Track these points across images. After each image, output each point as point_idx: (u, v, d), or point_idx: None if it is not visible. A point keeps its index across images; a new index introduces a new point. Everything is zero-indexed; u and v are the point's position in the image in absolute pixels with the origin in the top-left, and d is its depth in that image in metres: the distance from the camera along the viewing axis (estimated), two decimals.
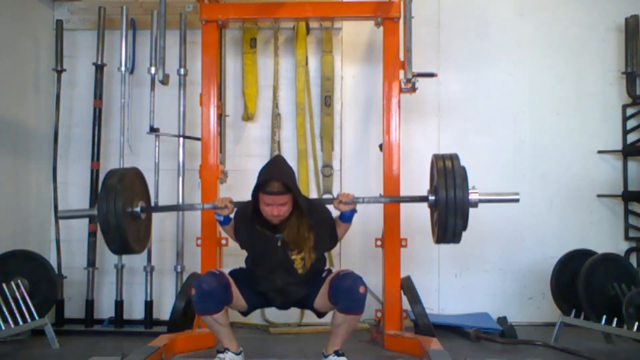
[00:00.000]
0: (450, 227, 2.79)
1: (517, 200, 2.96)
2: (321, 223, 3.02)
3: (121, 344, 3.72)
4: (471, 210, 4.35)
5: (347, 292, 2.83)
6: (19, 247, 3.84)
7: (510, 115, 4.52)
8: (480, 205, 2.81)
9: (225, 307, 2.94)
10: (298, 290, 3.00)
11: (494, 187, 4.38)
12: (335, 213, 3.08)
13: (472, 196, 2.79)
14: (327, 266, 3.13)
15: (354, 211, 3.01)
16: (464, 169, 2.83)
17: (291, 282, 2.97)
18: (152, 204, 4.11)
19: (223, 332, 2.97)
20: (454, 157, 2.86)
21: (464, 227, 2.80)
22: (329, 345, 2.99)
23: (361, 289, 2.83)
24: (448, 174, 2.78)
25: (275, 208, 2.83)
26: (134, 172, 3.13)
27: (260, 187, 2.83)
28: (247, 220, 2.99)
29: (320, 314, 3.10)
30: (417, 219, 4.31)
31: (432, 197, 2.89)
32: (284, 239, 2.94)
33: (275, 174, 2.85)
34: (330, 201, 3.05)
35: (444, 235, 2.84)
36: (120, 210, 2.85)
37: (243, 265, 3.12)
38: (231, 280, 2.97)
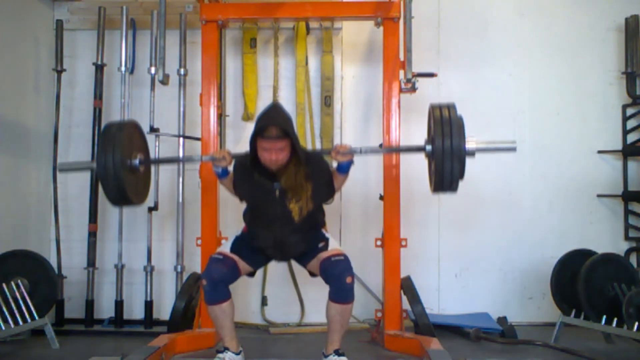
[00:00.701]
0: (447, 175, 2.78)
1: (514, 149, 2.96)
2: (319, 172, 3.03)
3: (121, 344, 3.72)
4: (471, 209, 4.43)
5: (335, 281, 2.88)
6: (19, 247, 3.84)
7: (510, 115, 4.52)
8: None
9: (232, 299, 2.97)
10: (296, 243, 3.00)
11: (494, 186, 4.46)
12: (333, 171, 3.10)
13: (469, 144, 2.79)
14: (326, 234, 3.11)
15: (351, 162, 3.02)
16: (461, 118, 2.82)
17: (288, 232, 2.97)
18: (153, 204, 4.15)
19: (227, 328, 2.98)
20: (450, 107, 2.86)
21: (461, 176, 2.80)
22: (328, 344, 2.99)
23: (348, 279, 2.87)
24: (445, 123, 2.78)
25: (274, 153, 2.85)
26: (133, 124, 3.14)
27: (259, 133, 2.84)
28: (246, 170, 3.00)
29: (312, 275, 3.14)
30: (417, 218, 4.33)
31: (429, 147, 2.89)
32: (281, 187, 2.94)
33: (273, 120, 2.85)
34: (328, 152, 3.08)
35: (441, 184, 2.83)
36: (119, 162, 2.87)
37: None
38: (236, 257, 3.01)
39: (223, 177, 3.12)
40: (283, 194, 2.95)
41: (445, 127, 2.76)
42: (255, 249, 3.06)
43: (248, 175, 3.00)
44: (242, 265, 3.04)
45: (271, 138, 2.82)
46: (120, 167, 2.87)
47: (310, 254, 3.04)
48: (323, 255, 2.98)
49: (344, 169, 3.03)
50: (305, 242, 3.03)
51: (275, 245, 3.01)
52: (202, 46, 3.84)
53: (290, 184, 2.94)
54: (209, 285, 2.90)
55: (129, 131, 3.04)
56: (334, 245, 3.05)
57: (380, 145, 3.76)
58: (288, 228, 2.98)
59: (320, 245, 3.04)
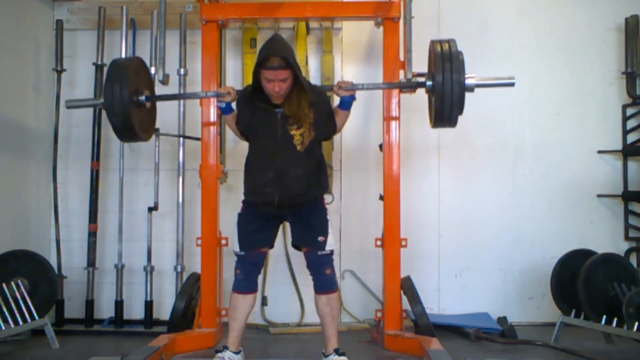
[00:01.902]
0: (447, 109, 2.85)
1: (512, 84, 3.06)
2: (320, 103, 3.09)
3: (121, 344, 3.72)
4: (472, 208, 4.43)
5: (316, 273, 3.04)
6: (19, 247, 3.84)
7: (510, 115, 4.52)
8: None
9: (256, 294, 3.12)
10: (297, 178, 2.96)
11: (494, 186, 4.46)
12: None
13: (469, 80, 2.85)
14: (327, 230, 3.09)
15: (352, 97, 3.10)
16: (461, 53, 2.87)
17: (290, 162, 2.96)
18: (153, 204, 4.15)
19: (238, 322, 3.05)
20: (451, 42, 2.93)
21: (460, 111, 2.86)
22: (326, 343, 3.01)
23: (327, 271, 3.02)
24: (445, 59, 2.84)
25: (277, 84, 2.89)
26: (138, 61, 3.20)
27: (261, 64, 2.88)
28: (249, 98, 3.05)
29: (297, 248, 3.15)
30: (417, 219, 4.33)
31: (429, 82, 2.95)
32: (284, 113, 2.98)
33: (275, 50, 2.89)
34: (330, 87, 3.16)
35: (440, 118, 2.90)
36: (126, 96, 2.94)
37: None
38: (254, 249, 3.08)
39: (227, 113, 3.17)
40: (285, 119, 2.99)
41: (446, 63, 2.83)
42: (257, 216, 3.05)
43: (251, 103, 3.05)
44: (262, 250, 3.13)
45: (274, 68, 2.86)
46: (128, 101, 2.94)
47: (307, 231, 3.04)
48: (312, 249, 3.04)
49: (346, 104, 3.10)
50: (306, 182, 2.98)
51: (276, 179, 2.96)
52: (202, 46, 3.85)
53: (292, 111, 2.98)
54: (243, 274, 3.06)
55: (135, 66, 3.09)
56: (330, 245, 3.06)
57: (380, 146, 3.76)
58: (289, 157, 2.97)
59: (320, 239, 3.03)
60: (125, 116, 2.96)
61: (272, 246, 3.21)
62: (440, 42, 2.94)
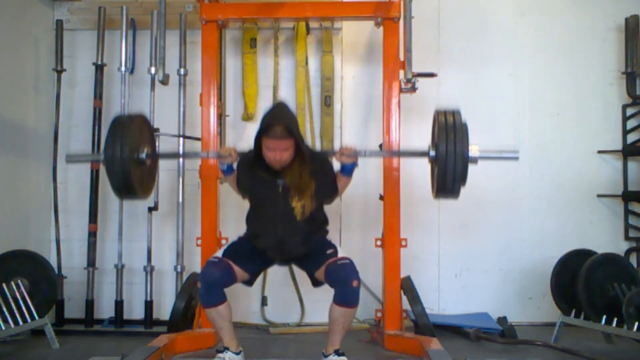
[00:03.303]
0: (450, 181, 2.79)
1: (516, 158, 3.00)
2: (322, 172, 3.05)
3: (121, 344, 3.72)
4: (472, 209, 4.43)
5: (341, 285, 2.86)
6: (19, 247, 3.84)
7: (510, 115, 4.52)
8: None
9: (228, 301, 2.95)
10: (296, 244, 2.97)
11: (494, 186, 4.46)
12: (337, 171, 3.12)
13: (472, 152, 2.80)
14: (335, 246, 3.07)
15: (355, 164, 3.06)
16: (465, 124, 2.83)
17: (290, 231, 2.96)
18: (153, 204, 4.15)
19: (225, 329, 2.98)
20: (455, 113, 2.87)
21: (463, 183, 2.81)
22: (328, 344, 2.99)
23: (354, 283, 2.84)
24: (449, 129, 2.79)
25: (278, 153, 2.86)
26: (141, 118, 3.16)
27: (263, 132, 2.85)
28: (250, 166, 3.02)
29: (316, 283, 3.10)
30: (417, 219, 4.33)
31: (432, 152, 2.91)
32: (285, 184, 2.95)
33: (278, 119, 2.87)
34: (333, 153, 3.10)
35: (443, 189, 2.84)
36: (126, 155, 2.89)
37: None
38: (231, 262, 2.98)
39: (228, 174, 3.14)
40: (286, 191, 2.96)
41: (450, 134, 2.77)
42: (255, 251, 3.04)
43: (252, 171, 3.02)
44: (237, 270, 2.99)
45: (276, 137, 2.83)
46: (128, 159, 2.90)
47: (317, 258, 3.00)
48: (328, 261, 2.95)
49: (348, 170, 3.06)
50: (307, 245, 3.01)
51: (277, 245, 2.99)
52: (202, 46, 3.84)
53: (294, 182, 2.94)
54: (204, 288, 2.90)
55: (137, 124, 3.06)
56: (341, 253, 3.03)
57: (380, 146, 3.76)
58: (290, 227, 2.97)
59: (329, 251, 2.99)
60: (125, 174, 2.90)
61: (251, 282, 3.11)
62: (445, 112, 2.87)
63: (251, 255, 3.04)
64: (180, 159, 4.17)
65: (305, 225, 2.98)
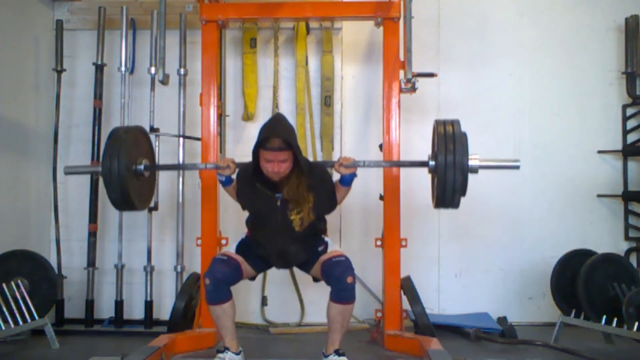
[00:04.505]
0: (449, 191, 2.80)
1: (517, 167, 2.99)
2: (321, 184, 3.06)
3: (121, 344, 3.71)
4: (472, 209, 4.42)
5: (336, 281, 2.89)
6: (19, 247, 3.84)
7: (510, 115, 4.52)
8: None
9: (233, 300, 2.97)
10: (297, 252, 3.01)
11: (494, 186, 4.45)
12: (335, 178, 3.14)
13: (472, 161, 2.80)
14: (326, 238, 3.13)
15: (354, 175, 3.06)
16: (464, 134, 2.83)
17: (290, 242, 2.98)
18: (153, 204, 4.14)
19: (227, 328, 2.99)
20: (455, 123, 2.87)
21: (463, 193, 2.82)
22: (328, 344, 3.00)
23: (348, 280, 2.87)
24: (448, 139, 2.79)
25: (276, 165, 2.87)
26: (139, 130, 3.17)
27: (261, 144, 2.86)
28: (248, 180, 3.03)
29: (316, 279, 3.14)
30: (417, 219, 4.33)
31: (432, 163, 2.91)
32: (283, 198, 2.96)
33: (276, 131, 2.88)
34: (331, 164, 3.12)
35: (442, 199, 2.85)
36: (124, 167, 2.91)
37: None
38: (240, 259, 3.02)
39: (227, 185, 3.17)
40: (284, 204, 2.97)
41: (449, 144, 2.77)
42: (258, 255, 3.08)
43: (250, 184, 3.03)
44: (246, 267, 3.05)
45: (273, 149, 2.84)
46: (125, 172, 2.90)
47: (312, 259, 3.05)
48: (323, 257, 2.99)
49: (347, 181, 3.06)
50: (307, 252, 3.04)
51: (278, 255, 3.03)
52: (202, 46, 3.84)
53: (292, 195, 2.96)
54: (212, 284, 2.91)
55: (135, 136, 3.06)
56: (333, 248, 3.07)
57: (380, 146, 3.76)
58: (289, 238, 2.99)
59: (320, 248, 3.06)
60: (123, 188, 2.93)
61: (254, 277, 3.17)
62: (444, 122, 2.88)
63: (256, 255, 3.08)
64: (181, 154, 4.17)
65: (304, 235, 3.01)
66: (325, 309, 2.95)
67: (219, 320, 2.97)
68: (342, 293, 2.88)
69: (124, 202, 3.00)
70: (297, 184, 2.95)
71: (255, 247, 3.07)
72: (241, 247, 3.11)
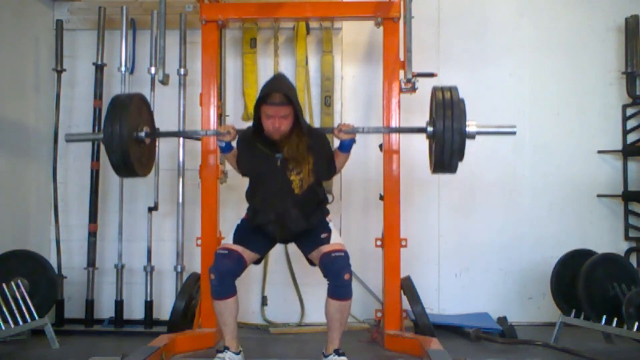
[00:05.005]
0: (447, 157, 2.83)
1: (514, 133, 3.03)
2: (320, 147, 3.09)
3: (121, 344, 3.72)
4: (472, 209, 4.43)
5: (333, 278, 2.91)
6: (19, 247, 3.84)
7: (510, 115, 4.51)
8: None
9: (237, 296, 2.99)
10: (296, 217, 2.99)
11: (494, 187, 4.46)
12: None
13: (470, 127, 2.83)
14: (330, 224, 3.11)
15: (353, 141, 3.09)
16: (462, 101, 2.85)
17: (289, 205, 2.98)
18: (153, 204, 4.15)
19: (229, 325, 2.99)
20: (453, 89, 2.90)
21: (461, 159, 2.85)
22: (328, 343, 3.00)
23: (346, 277, 2.89)
24: (446, 106, 2.82)
25: (277, 120, 2.89)
26: (139, 97, 3.19)
27: (263, 99, 2.88)
28: (249, 141, 3.06)
29: (312, 263, 3.14)
30: (417, 218, 4.33)
31: (430, 129, 2.93)
32: (283, 157, 2.98)
33: (278, 87, 2.90)
34: (331, 130, 3.15)
35: (441, 165, 2.88)
36: (125, 134, 2.92)
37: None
38: (240, 248, 3.01)
39: (226, 152, 3.18)
40: (284, 164, 2.99)
41: (447, 110, 2.81)
42: (257, 231, 3.06)
43: (251, 145, 3.05)
44: (248, 254, 3.04)
45: (275, 104, 2.86)
46: (127, 138, 2.92)
47: (312, 240, 3.04)
48: (324, 249, 2.99)
49: (346, 147, 3.09)
50: (306, 219, 3.01)
51: (276, 219, 2.99)
52: (202, 46, 3.84)
53: (292, 154, 2.97)
54: (217, 279, 2.93)
55: (136, 103, 3.08)
56: (336, 239, 3.05)
57: (380, 146, 3.76)
58: (289, 200, 2.98)
59: (323, 236, 3.04)
60: (124, 153, 2.94)
61: (260, 260, 3.17)
62: (442, 89, 2.91)
63: (256, 235, 3.07)
64: (181, 154, 4.18)
65: (303, 199, 3.00)
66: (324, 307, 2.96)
67: (222, 316, 2.98)
68: (340, 289, 2.91)
69: (126, 167, 3.01)
70: (297, 143, 2.97)
71: (255, 215, 3.05)
72: (238, 233, 3.09)
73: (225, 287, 2.94)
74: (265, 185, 3.04)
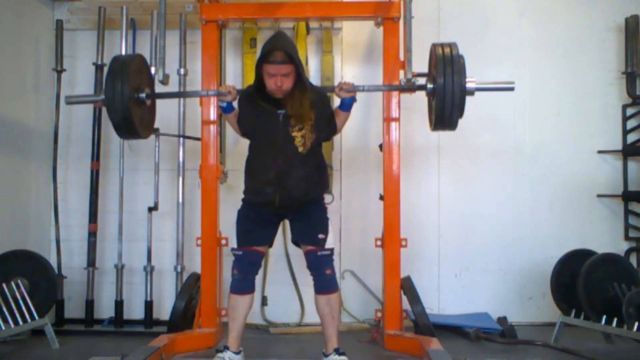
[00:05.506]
0: (447, 112, 2.86)
1: (512, 89, 3.09)
2: (321, 104, 3.11)
3: (121, 344, 3.71)
4: (473, 209, 4.43)
5: (316, 274, 3.04)
6: (19, 247, 3.84)
7: (510, 115, 4.52)
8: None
9: (253, 295, 3.09)
10: (298, 179, 2.98)
11: (494, 187, 4.46)
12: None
13: (469, 83, 2.86)
14: (328, 232, 3.11)
15: (353, 99, 3.12)
16: (462, 57, 2.88)
17: (291, 164, 2.97)
18: (153, 204, 4.15)
19: (237, 322, 3.04)
20: (452, 46, 2.94)
21: (461, 114, 2.87)
22: (327, 343, 3.02)
23: (327, 271, 3.02)
24: (446, 62, 2.85)
25: (279, 79, 2.89)
26: (139, 58, 3.19)
27: (264, 58, 2.89)
28: (250, 98, 3.06)
29: (297, 244, 3.17)
30: (417, 218, 4.33)
31: (430, 85, 2.96)
32: (286, 113, 2.98)
33: (279, 45, 2.90)
34: (332, 89, 3.18)
35: (441, 121, 2.91)
36: (127, 95, 2.94)
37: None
38: (254, 247, 3.07)
39: (228, 112, 3.17)
40: (286, 120, 2.98)
41: (447, 66, 2.83)
42: (257, 218, 3.07)
43: (252, 103, 3.05)
44: (261, 249, 3.10)
45: (276, 62, 2.86)
46: (128, 98, 2.94)
47: (308, 231, 3.05)
48: (310, 248, 3.03)
49: (347, 105, 3.12)
50: (307, 183, 3.01)
51: (277, 178, 2.97)
52: (202, 46, 3.85)
53: (295, 110, 2.97)
54: (240, 273, 3.03)
55: (136, 64, 3.09)
56: (330, 243, 3.07)
57: (380, 146, 3.76)
58: (291, 158, 2.98)
59: (320, 237, 3.04)
60: (126, 113, 2.96)
61: (271, 245, 3.21)
62: (442, 45, 2.94)
63: (258, 221, 3.09)
64: (181, 154, 4.18)
65: (305, 158, 3.00)
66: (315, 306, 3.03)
67: (235, 310, 3.03)
68: (323, 283, 3.02)
69: (127, 127, 3.03)
70: (300, 99, 2.97)
71: (254, 178, 3.05)
72: (241, 226, 3.09)
73: (247, 283, 3.05)
74: (267, 142, 3.02)
